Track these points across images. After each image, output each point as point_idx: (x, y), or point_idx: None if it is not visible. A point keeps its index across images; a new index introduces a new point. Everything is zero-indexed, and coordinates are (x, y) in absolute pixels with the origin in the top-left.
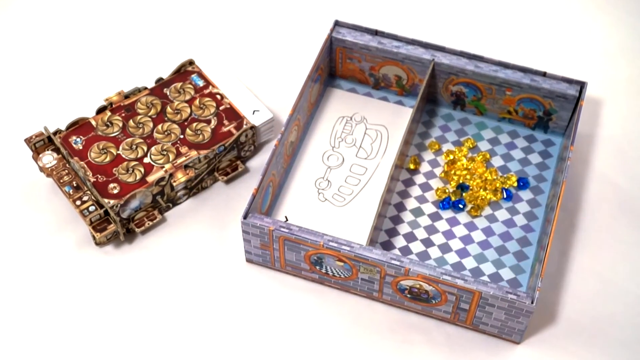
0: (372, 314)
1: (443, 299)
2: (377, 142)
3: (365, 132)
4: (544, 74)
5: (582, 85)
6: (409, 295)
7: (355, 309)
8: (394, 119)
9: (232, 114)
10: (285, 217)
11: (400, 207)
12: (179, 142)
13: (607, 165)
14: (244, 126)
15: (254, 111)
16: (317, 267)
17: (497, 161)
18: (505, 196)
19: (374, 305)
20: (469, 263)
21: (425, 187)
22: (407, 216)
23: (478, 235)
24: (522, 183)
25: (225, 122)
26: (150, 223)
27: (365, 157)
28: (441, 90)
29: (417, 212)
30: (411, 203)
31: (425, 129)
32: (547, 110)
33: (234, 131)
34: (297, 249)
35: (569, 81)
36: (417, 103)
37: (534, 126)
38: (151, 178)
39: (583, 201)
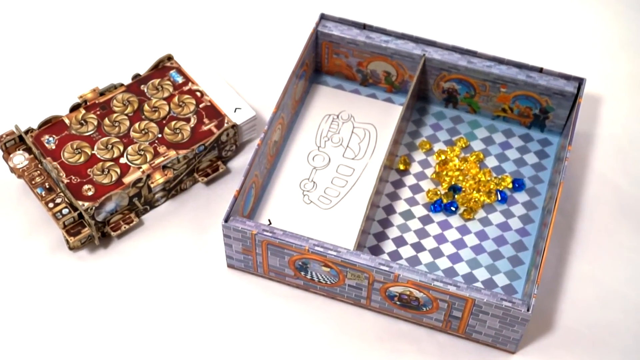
0: (360, 322)
1: (434, 306)
2: (365, 141)
3: (353, 131)
4: (541, 70)
5: (580, 82)
6: (398, 303)
7: (342, 317)
8: (382, 117)
9: (213, 112)
10: (269, 220)
11: (389, 210)
12: (156, 141)
13: (606, 165)
14: (225, 125)
15: (235, 109)
16: (302, 273)
17: (491, 161)
18: (499, 198)
19: (362, 312)
20: (462, 269)
21: (416, 188)
22: (397, 219)
23: (471, 240)
24: (518, 184)
25: (206, 120)
26: (127, 226)
27: (353, 157)
28: (432, 87)
29: (407, 215)
30: (401, 205)
31: (416, 128)
32: (544, 108)
33: (214, 130)
34: (281, 254)
35: (567, 77)
36: (407, 100)
37: (529, 125)
38: (128, 179)
39: (581, 203)
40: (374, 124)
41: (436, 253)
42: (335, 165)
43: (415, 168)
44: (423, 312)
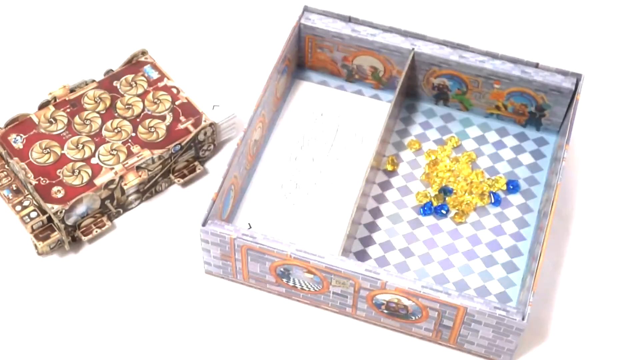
0: (345, 331)
1: (424, 315)
2: (350, 140)
3: (338, 130)
4: (537, 65)
5: (578, 78)
6: (386, 311)
7: (326, 326)
8: (369, 114)
9: (190, 110)
10: (249, 224)
11: (377, 213)
12: (130, 140)
13: (606, 166)
14: (203, 123)
15: (213, 106)
16: (284, 280)
17: (484, 162)
18: (493, 201)
19: (347, 322)
20: (453, 275)
21: (404, 190)
22: (384, 223)
23: (463, 245)
24: (512, 186)
25: (182, 118)
26: (99, 231)
27: (338, 157)
28: (422, 83)
29: (395, 218)
30: (388, 208)
31: (405, 126)
32: (540, 105)
33: (191, 128)
34: (261, 260)
35: (564, 73)
36: (395, 97)
37: (525, 123)
38: (99, 181)
39: (579, 206)
40: (360, 122)
41: (426, 259)
42: (319, 166)
43: (403, 169)
44: (412, 321)
